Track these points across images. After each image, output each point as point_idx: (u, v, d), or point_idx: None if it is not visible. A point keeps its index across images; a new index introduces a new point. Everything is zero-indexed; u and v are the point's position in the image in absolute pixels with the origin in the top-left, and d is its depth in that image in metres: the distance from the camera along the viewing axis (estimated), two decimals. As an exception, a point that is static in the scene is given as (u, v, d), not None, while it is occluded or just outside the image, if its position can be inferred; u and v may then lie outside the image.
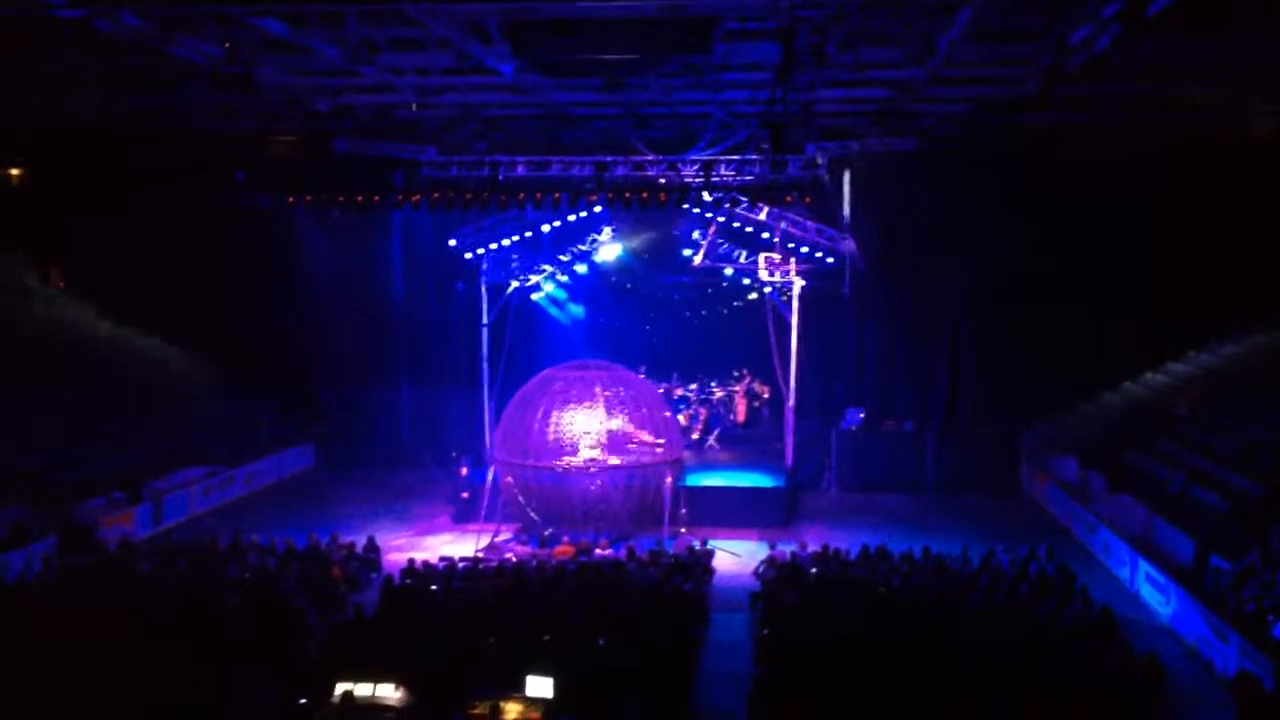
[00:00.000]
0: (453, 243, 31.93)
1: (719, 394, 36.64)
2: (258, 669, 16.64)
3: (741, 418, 36.53)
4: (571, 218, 32.23)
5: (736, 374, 37.47)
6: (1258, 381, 30.02)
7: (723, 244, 34.04)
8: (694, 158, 28.03)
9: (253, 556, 22.67)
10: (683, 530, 26.44)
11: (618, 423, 27.55)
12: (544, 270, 33.95)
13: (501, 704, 14.29)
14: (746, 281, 34.18)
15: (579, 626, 17.85)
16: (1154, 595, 22.04)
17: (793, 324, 30.88)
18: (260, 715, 15.74)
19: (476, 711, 14.33)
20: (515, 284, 32.56)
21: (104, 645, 16.46)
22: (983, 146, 29.73)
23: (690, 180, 28.36)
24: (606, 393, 26.83)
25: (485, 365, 32.39)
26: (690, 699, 16.98)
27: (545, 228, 32.75)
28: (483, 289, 32.31)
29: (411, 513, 30.28)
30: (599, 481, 26.66)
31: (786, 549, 23.11)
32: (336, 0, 18.00)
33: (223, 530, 25.36)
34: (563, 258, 34.35)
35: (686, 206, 29.25)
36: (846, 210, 30.49)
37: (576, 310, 36.71)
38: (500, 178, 28.77)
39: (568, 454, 27.05)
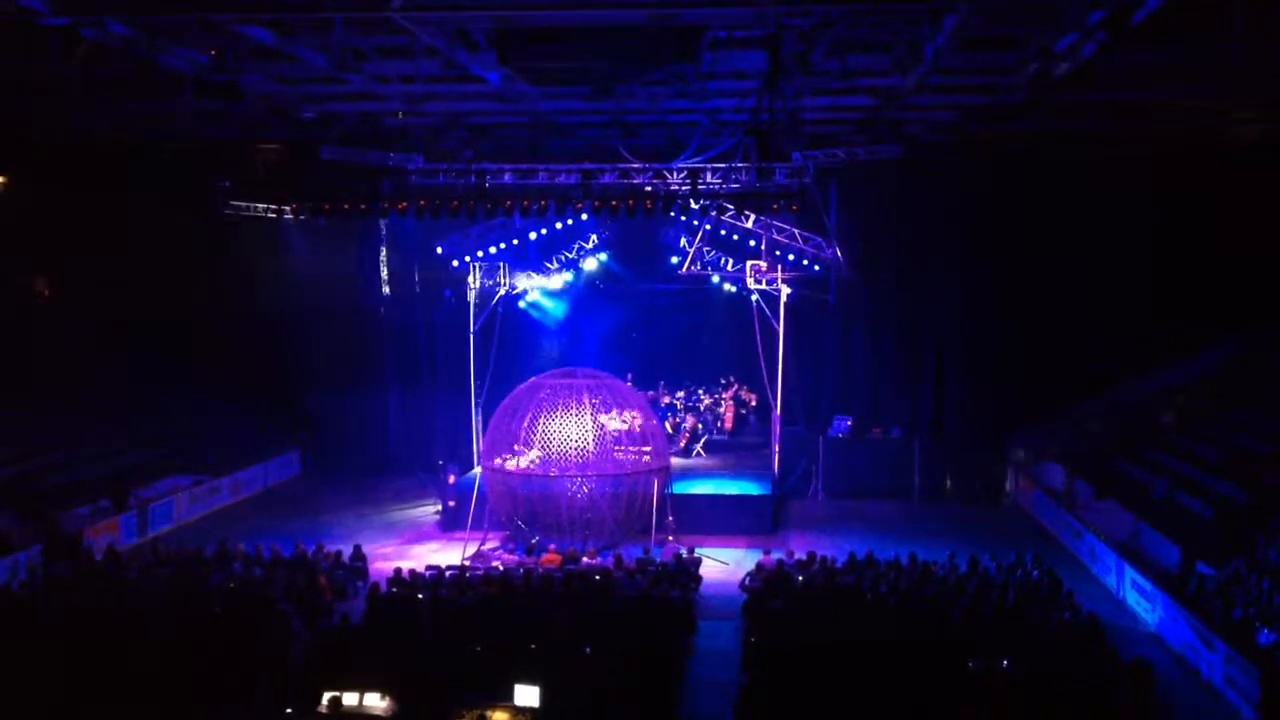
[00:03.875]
0: (440, 250, 31.93)
1: (706, 401, 36.65)
2: (244, 678, 16.60)
3: (729, 425, 36.53)
4: (558, 225, 32.32)
5: (724, 381, 37.48)
6: (1243, 389, 30.12)
7: (709, 252, 34.10)
8: (681, 165, 28.07)
9: (239, 565, 22.59)
10: (670, 538, 26.41)
11: (615, 423, 27.58)
12: (530, 277, 33.98)
13: (488, 713, 14.24)
14: (733, 289, 34.23)
15: (566, 635, 17.82)
16: (1140, 602, 22.09)
17: (779, 331, 30.89)
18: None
19: (463, 720, 14.29)
20: (502, 291, 32.56)
21: (90, 654, 16.42)
22: (969, 154, 29.83)
23: (677, 188, 28.39)
24: (593, 400, 26.79)
25: (472, 373, 32.35)
26: (677, 707, 16.96)
27: (532, 235, 32.83)
28: (470, 296, 32.29)
29: (398, 521, 30.21)
30: (586, 489, 26.63)
31: (774, 556, 23.10)
32: (323, 8, 17.97)
33: (209, 538, 25.28)
34: (549, 265, 34.41)
35: (673, 214, 29.28)
36: (833, 218, 30.56)
37: (558, 311, 36.60)
38: (487, 185, 28.77)
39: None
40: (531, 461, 26.72)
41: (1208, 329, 32.82)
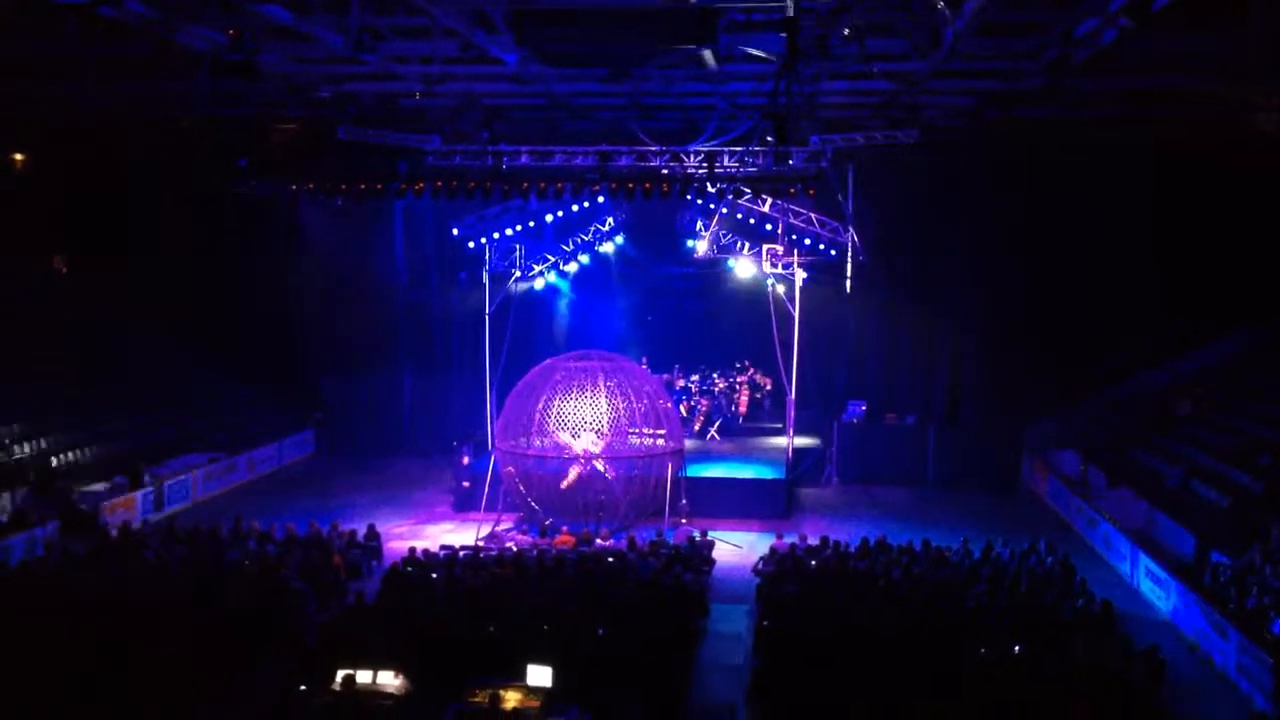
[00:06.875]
0: (455, 232, 31.92)
1: (721, 385, 36.60)
2: (259, 655, 16.70)
3: (743, 410, 36.49)
4: (575, 208, 32.26)
5: (739, 365, 37.42)
6: (1259, 378, 29.99)
7: (726, 235, 34.04)
8: (697, 149, 28.02)
9: (253, 543, 22.69)
10: (683, 521, 26.43)
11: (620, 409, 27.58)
12: (547, 260, 33.96)
13: (501, 692, 14.31)
14: (749, 273, 34.14)
15: (579, 616, 17.88)
16: (1154, 590, 22.06)
17: (795, 316, 30.83)
18: (261, 701, 15.80)
19: (476, 700, 14.34)
20: (518, 273, 32.55)
21: (105, 630, 16.52)
22: (986, 140, 29.68)
23: (693, 171, 28.34)
24: (608, 382, 26.79)
25: (487, 354, 32.38)
26: (689, 690, 17.00)
27: (548, 217, 32.77)
28: (485, 278, 32.29)
29: (412, 501, 30.30)
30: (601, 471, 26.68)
31: (787, 540, 23.12)
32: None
33: (224, 517, 25.40)
34: (565, 247, 34.39)
35: (690, 197, 29.23)
36: (850, 202, 30.46)
37: (573, 293, 36.49)
38: (503, 167, 28.78)
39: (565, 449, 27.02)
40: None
41: (1224, 318, 32.67)
